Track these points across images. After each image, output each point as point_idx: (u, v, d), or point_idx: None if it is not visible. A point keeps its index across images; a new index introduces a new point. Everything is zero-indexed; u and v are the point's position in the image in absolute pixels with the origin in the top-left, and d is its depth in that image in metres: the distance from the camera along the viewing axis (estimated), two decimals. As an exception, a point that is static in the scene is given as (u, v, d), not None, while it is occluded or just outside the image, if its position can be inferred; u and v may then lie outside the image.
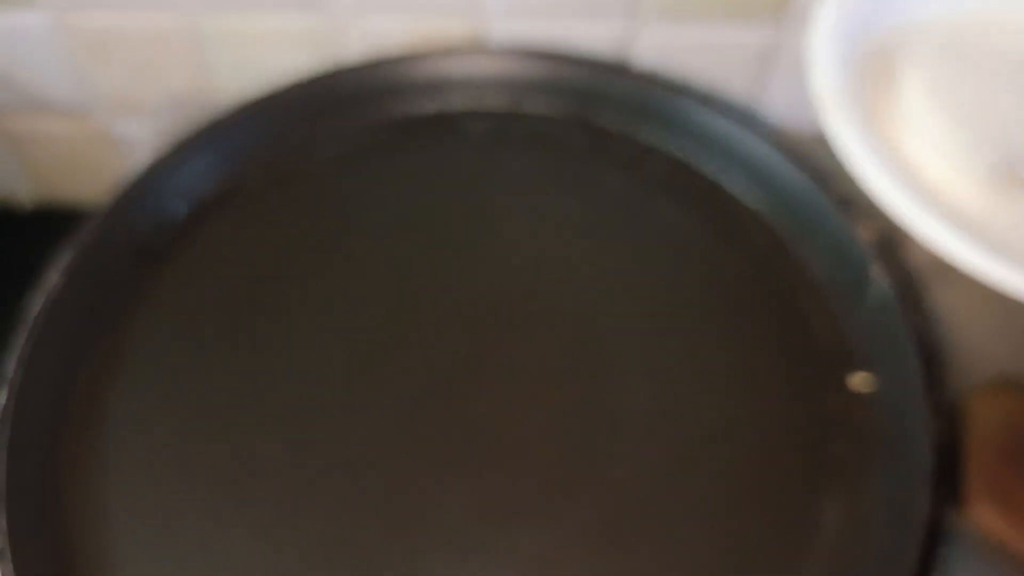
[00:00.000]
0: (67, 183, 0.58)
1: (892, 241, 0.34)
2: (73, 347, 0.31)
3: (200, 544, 0.28)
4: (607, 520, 0.28)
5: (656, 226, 0.35)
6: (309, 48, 0.46)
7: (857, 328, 0.32)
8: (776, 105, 0.49)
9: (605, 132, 0.39)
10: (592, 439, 0.30)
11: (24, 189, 0.59)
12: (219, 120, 0.35)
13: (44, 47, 0.48)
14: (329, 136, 0.37)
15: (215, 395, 0.31)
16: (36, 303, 0.30)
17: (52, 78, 0.50)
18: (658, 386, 0.31)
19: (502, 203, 0.36)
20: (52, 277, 0.31)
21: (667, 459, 0.30)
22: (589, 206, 0.36)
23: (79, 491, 0.29)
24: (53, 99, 0.52)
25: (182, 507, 0.28)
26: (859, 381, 0.31)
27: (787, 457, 0.29)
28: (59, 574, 0.27)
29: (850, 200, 0.34)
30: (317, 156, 0.37)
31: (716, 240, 0.35)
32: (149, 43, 0.47)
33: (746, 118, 0.36)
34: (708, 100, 0.37)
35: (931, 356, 0.30)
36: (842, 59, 0.39)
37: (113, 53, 0.48)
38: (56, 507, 0.28)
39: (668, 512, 0.28)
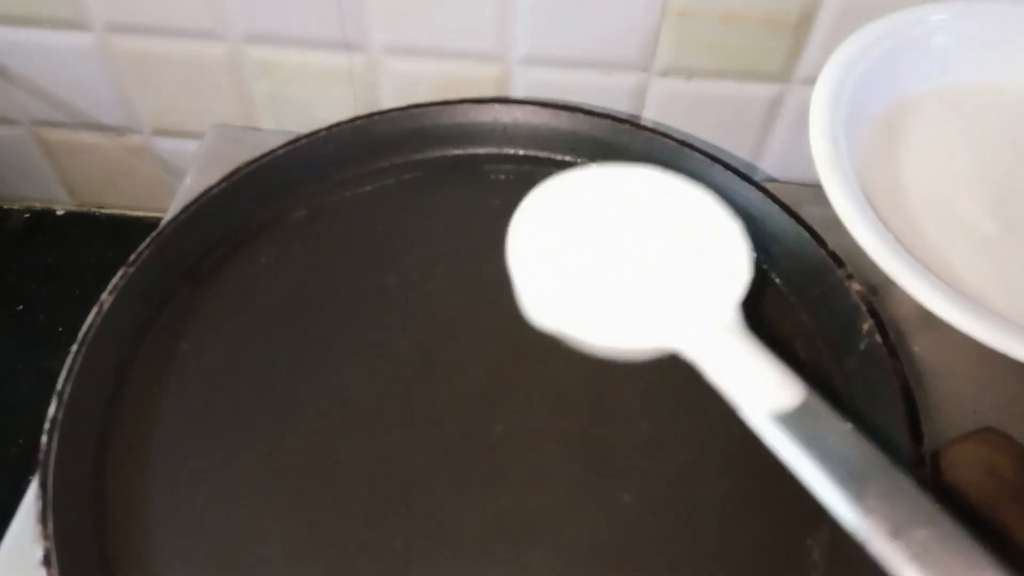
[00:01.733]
0: (104, 193, 0.59)
1: (881, 293, 0.35)
2: (122, 362, 0.32)
3: (236, 549, 0.28)
4: (615, 540, 0.29)
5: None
6: (344, 84, 0.48)
7: (847, 376, 0.33)
8: (777, 155, 0.50)
9: (618, 180, 0.40)
10: (602, 464, 0.31)
11: (62, 198, 0.60)
12: (267, 156, 0.36)
13: (89, 67, 0.49)
14: (366, 174, 0.39)
15: (254, 411, 0.31)
16: (88, 319, 0.31)
17: (95, 97, 0.52)
18: (662, 420, 0.32)
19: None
20: (104, 296, 0.32)
21: (670, 486, 0.30)
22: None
23: (124, 499, 0.29)
24: (95, 117, 0.53)
25: (222, 515, 0.29)
26: (848, 427, 0.32)
27: (778, 493, 0.30)
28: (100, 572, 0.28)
29: (844, 254, 0.35)
30: (355, 192, 0.38)
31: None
32: (191, 69, 0.48)
33: (746, 174, 0.38)
34: (711, 155, 0.38)
35: (914, 407, 0.31)
36: (841, 124, 0.40)
37: (156, 77, 0.49)
38: (102, 514, 0.29)
39: (672, 535, 0.29)
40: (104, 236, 0.59)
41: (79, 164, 0.57)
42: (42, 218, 0.60)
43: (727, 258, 0.27)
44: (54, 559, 0.26)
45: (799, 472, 0.22)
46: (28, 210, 0.60)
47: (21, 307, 0.55)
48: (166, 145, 0.55)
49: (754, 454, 0.30)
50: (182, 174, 0.55)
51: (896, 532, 0.20)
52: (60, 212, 0.60)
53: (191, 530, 0.29)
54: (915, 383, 0.32)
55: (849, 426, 0.23)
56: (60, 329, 0.54)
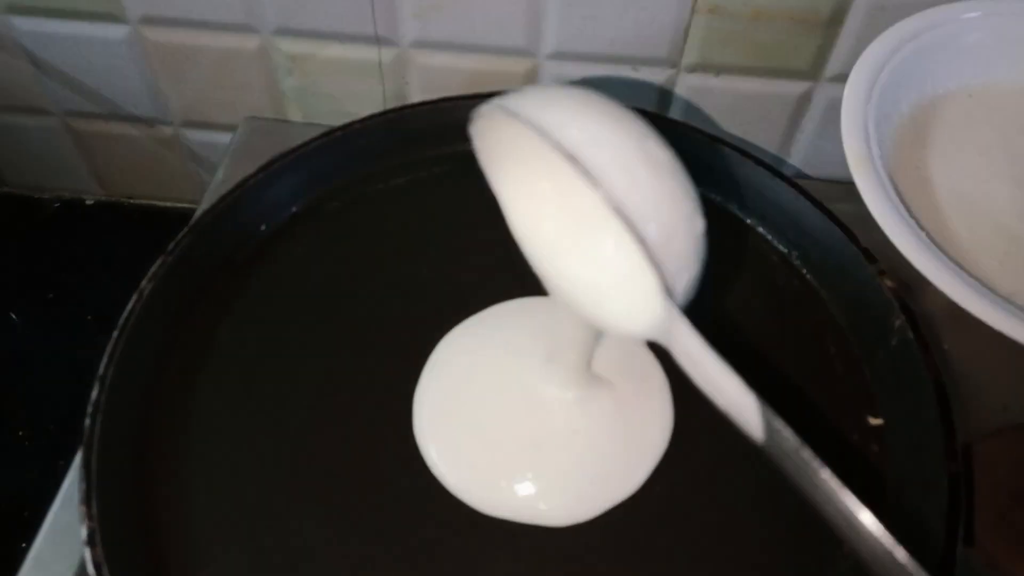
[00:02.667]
0: (133, 184, 0.60)
1: (912, 289, 0.35)
2: (161, 348, 0.32)
3: (275, 532, 0.29)
4: (645, 527, 0.30)
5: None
6: (373, 78, 0.48)
7: (878, 370, 0.33)
8: (804, 152, 0.50)
9: (649, 175, 0.40)
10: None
11: (92, 188, 0.61)
12: (302, 147, 0.37)
13: (122, 59, 0.50)
14: (399, 166, 0.39)
15: (290, 397, 0.32)
16: (129, 306, 0.32)
17: (127, 88, 0.52)
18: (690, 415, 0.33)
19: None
20: (144, 283, 0.32)
21: (695, 483, 0.31)
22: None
23: (165, 482, 0.30)
24: (126, 108, 0.53)
25: (260, 498, 0.30)
26: (878, 422, 0.33)
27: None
28: (145, 559, 0.28)
29: (873, 250, 0.35)
30: (387, 184, 0.39)
31: (747, 283, 0.36)
32: (223, 62, 0.49)
33: (777, 170, 0.38)
34: (743, 151, 0.38)
35: (947, 401, 0.31)
36: (872, 121, 0.40)
37: (187, 69, 0.50)
38: (143, 496, 0.29)
39: (699, 533, 0.30)
40: (133, 226, 0.60)
41: (109, 155, 0.58)
42: (72, 208, 0.61)
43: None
44: (98, 538, 0.26)
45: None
46: (58, 200, 0.61)
47: (51, 295, 0.56)
48: (195, 137, 0.55)
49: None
50: (211, 166, 0.56)
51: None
52: (90, 202, 0.61)
53: (231, 513, 0.29)
54: (945, 379, 0.32)
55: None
56: (89, 317, 0.55)
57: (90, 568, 0.26)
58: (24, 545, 0.32)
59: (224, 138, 0.51)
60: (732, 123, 0.49)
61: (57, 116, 0.55)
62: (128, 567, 0.27)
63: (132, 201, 0.61)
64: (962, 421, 0.34)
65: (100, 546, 0.26)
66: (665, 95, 0.47)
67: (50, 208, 0.61)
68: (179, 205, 0.60)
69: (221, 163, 0.45)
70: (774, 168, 0.37)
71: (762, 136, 0.50)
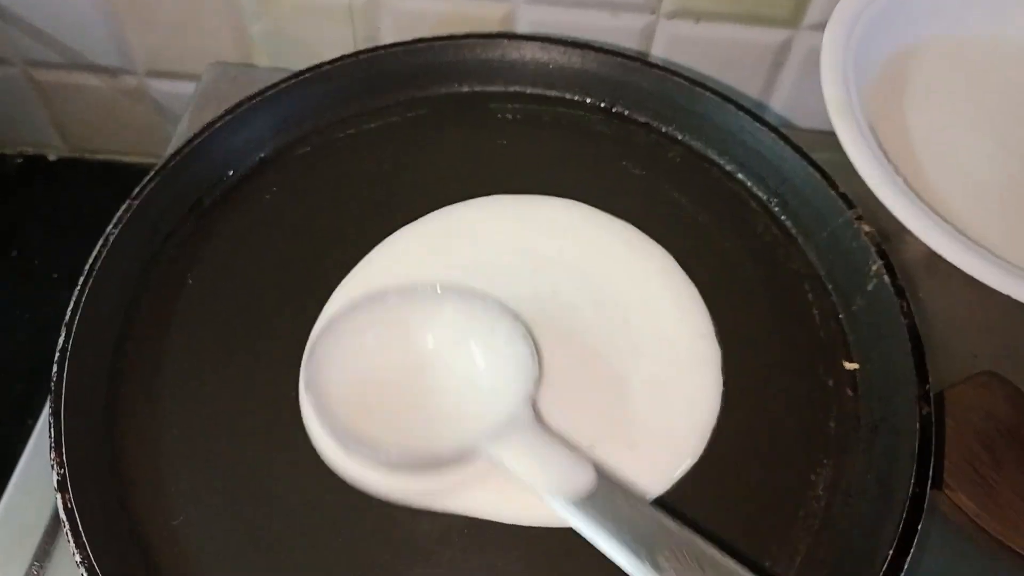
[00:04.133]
0: (97, 138, 0.59)
1: (890, 236, 0.35)
2: (129, 293, 0.32)
3: (244, 476, 0.29)
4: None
5: (670, 212, 0.36)
6: (343, 21, 0.47)
7: (854, 315, 0.34)
8: (784, 101, 0.50)
9: (627, 120, 0.40)
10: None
11: (55, 143, 0.59)
12: (269, 90, 0.36)
13: (85, 7, 0.48)
14: (371, 111, 0.38)
15: (260, 343, 0.32)
16: (95, 251, 0.31)
17: (89, 36, 0.51)
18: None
19: (527, 179, 0.37)
20: (110, 228, 0.32)
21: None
22: (608, 189, 0.37)
23: (135, 427, 0.30)
24: (88, 57, 0.52)
25: (229, 442, 0.30)
26: (853, 366, 0.33)
27: (785, 430, 0.31)
28: (118, 505, 0.28)
29: (852, 196, 0.35)
30: (359, 129, 0.38)
31: (726, 230, 0.36)
32: (188, 7, 0.47)
33: (758, 115, 0.37)
34: (724, 96, 0.38)
35: (920, 346, 0.31)
36: (851, 68, 0.40)
37: (151, 15, 0.49)
38: (113, 441, 0.29)
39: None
40: (97, 182, 0.59)
41: (72, 107, 0.56)
42: (35, 163, 0.59)
43: (515, 362, 0.28)
44: (68, 484, 0.26)
45: (599, 544, 0.24)
46: (21, 155, 0.59)
47: (15, 253, 0.55)
48: (161, 87, 0.54)
49: (755, 400, 0.31)
50: (176, 119, 0.54)
51: None
52: (52, 158, 0.60)
53: (200, 457, 0.29)
54: (919, 325, 0.32)
55: (640, 499, 0.26)
56: (55, 275, 0.54)
57: (62, 514, 0.26)
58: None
59: (190, 88, 0.50)
60: (713, 71, 0.49)
61: (17, 66, 0.53)
62: (100, 512, 0.27)
63: (96, 156, 0.60)
64: (934, 369, 0.35)
65: (71, 491, 0.26)
66: (644, 41, 0.47)
67: (12, 164, 0.59)
68: (144, 160, 0.59)
69: (188, 106, 0.43)
70: (755, 113, 0.37)
71: (743, 85, 0.50)
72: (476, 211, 0.35)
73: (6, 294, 0.53)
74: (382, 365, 0.29)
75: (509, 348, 0.29)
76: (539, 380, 0.29)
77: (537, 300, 0.32)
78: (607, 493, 0.25)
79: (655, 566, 0.23)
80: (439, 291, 0.30)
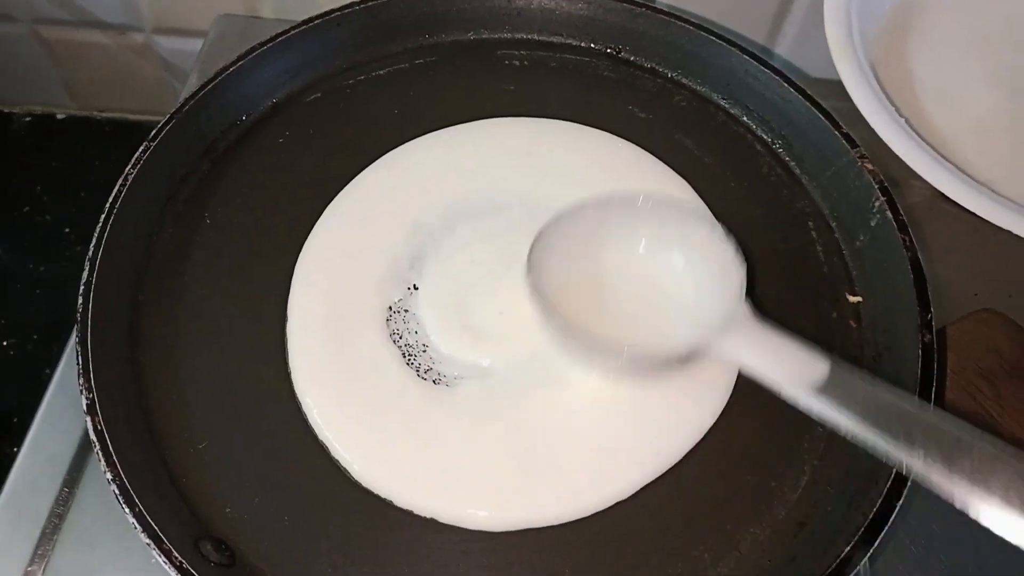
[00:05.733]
0: (105, 96, 0.59)
1: (893, 176, 0.36)
2: (148, 229, 0.33)
3: (254, 399, 0.30)
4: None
5: (677, 155, 0.37)
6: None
7: (858, 251, 0.35)
8: (789, 48, 0.51)
9: (633, 65, 0.40)
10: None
11: (64, 101, 0.60)
12: (280, 36, 0.37)
13: (92, -37, 0.49)
14: (380, 58, 0.39)
15: (273, 267, 0.33)
16: (114, 190, 0.32)
17: (99, -6, 0.51)
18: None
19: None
20: (128, 168, 0.32)
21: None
22: (615, 133, 0.38)
23: (157, 355, 0.31)
24: (96, 13, 0.52)
25: (240, 367, 0.31)
26: (856, 299, 0.34)
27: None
28: (144, 429, 0.29)
29: (856, 138, 0.36)
30: (369, 76, 0.39)
31: (732, 171, 0.37)
32: (193, -38, 0.48)
33: (762, 59, 0.38)
34: (728, 40, 0.38)
35: (922, 277, 0.32)
36: (855, 12, 0.41)
37: (159, -29, 0.49)
38: (137, 368, 0.30)
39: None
40: (106, 140, 0.60)
41: (80, 65, 0.57)
42: (43, 122, 0.60)
43: (721, 259, 0.29)
44: (97, 408, 0.27)
45: (847, 430, 0.24)
46: (29, 114, 0.60)
47: (27, 208, 0.56)
48: (168, 44, 0.54)
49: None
50: (184, 76, 0.55)
51: (949, 463, 0.22)
52: (61, 116, 0.60)
53: (221, 384, 0.31)
54: (921, 258, 0.33)
55: (876, 381, 0.26)
56: (67, 230, 0.55)
57: (92, 436, 0.27)
58: (15, 450, 0.33)
59: (197, 45, 0.50)
60: (718, 16, 0.49)
61: (25, 24, 0.54)
62: (127, 435, 0.28)
63: (104, 114, 0.61)
64: (936, 306, 0.36)
65: (100, 414, 0.27)
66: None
67: (21, 122, 0.60)
68: (152, 118, 0.60)
69: (196, 62, 0.44)
70: (759, 56, 0.38)
71: (748, 33, 0.50)
72: (476, 130, 0.37)
73: (19, 250, 0.54)
74: (599, 271, 0.29)
75: (715, 249, 0.29)
76: (746, 280, 0.29)
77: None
78: (844, 378, 0.25)
79: (913, 447, 0.23)
80: (639, 201, 0.30)
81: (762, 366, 0.26)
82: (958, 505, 0.22)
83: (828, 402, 0.25)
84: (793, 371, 0.25)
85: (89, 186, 0.57)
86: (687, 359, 0.27)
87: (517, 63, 0.40)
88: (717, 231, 0.29)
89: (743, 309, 0.27)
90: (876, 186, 0.34)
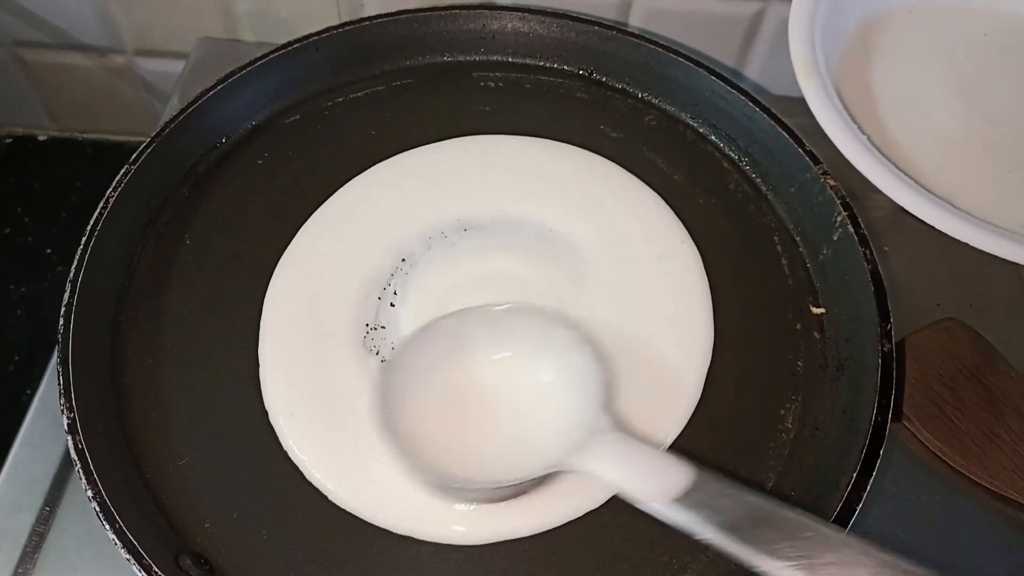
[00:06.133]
0: (86, 118, 0.60)
1: (856, 194, 0.37)
2: (129, 254, 0.34)
3: (236, 418, 0.31)
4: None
5: (648, 173, 0.38)
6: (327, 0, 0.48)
7: (821, 264, 0.36)
8: (758, 70, 0.52)
9: (605, 87, 0.42)
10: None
11: (45, 123, 0.60)
12: (259, 60, 0.38)
13: (72, -15, 0.49)
14: (357, 81, 0.40)
15: (253, 288, 0.34)
16: (96, 213, 0.33)
17: (78, 17, 0.52)
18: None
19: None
20: (109, 192, 0.33)
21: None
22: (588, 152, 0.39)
23: (139, 375, 0.32)
24: (76, 36, 0.53)
25: (220, 386, 0.32)
26: (820, 311, 0.35)
27: (758, 370, 0.33)
28: (125, 447, 0.30)
29: (819, 155, 0.37)
30: (347, 98, 0.40)
31: (701, 188, 0.38)
32: (174, -13, 0.49)
33: (728, 79, 0.39)
34: (695, 61, 0.40)
35: (882, 289, 0.33)
36: (818, 32, 0.42)
37: (139, -5, 0.50)
38: (118, 388, 0.31)
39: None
40: (88, 161, 0.60)
41: (61, 87, 0.58)
42: (25, 143, 0.60)
43: (582, 371, 0.28)
44: (78, 426, 0.28)
45: (707, 537, 0.24)
46: (10, 136, 0.60)
47: (8, 230, 0.56)
48: (149, 66, 0.55)
49: (730, 343, 0.33)
50: (165, 97, 0.56)
51: (810, 566, 0.22)
52: (43, 138, 0.61)
53: (201, 402, 0.31)
54: (885, 277, 0.34)
55: (737, 488, 0.25)
56: (48, 251, 0.55)
57: (73, 454, 0.28)
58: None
59: (178, 67, 0.51)
60: (689, 42, 0.50)
61: (6, 47, 0.55)
62: (108, 453, 0.29)
63: (86, 136, 0.61)
64: (899, 316, 0.37)
65: (81, 433, 0.28)
66: (621, 14, 0.49)
67: (2, 144, 0.60)
68: (134, 139, 0.61)
69: (177, 84, 0.45)
70: (725, 77, 0.39)
71: (719, 56, 0.51)
72: (453, 148, 0.38)
73: (1, 271, 0.55)
74: (450, 399, 0.29)
75: (574, 358, 0.29)
76: (610, 385, 0.28)
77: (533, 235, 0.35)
78: (707, 485, 0.25)
79: (770, 552, 0.23)
80: (492, 311, 0.29)
81: (622, 482, 0.26)
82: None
83: (688, 512, 0.24)
84: (653, 484, 0.25)
85: (71, 207, 0.57)
86: (543, 478, 0.27)
87: (492, 84, 0.41)
88: (578, 336, 0.29)
89: (605, 420, 0.27)
90: (838, 201, 0.35)
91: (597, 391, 0.27)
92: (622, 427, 0.27)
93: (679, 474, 0.25)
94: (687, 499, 0.24)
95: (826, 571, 0.22)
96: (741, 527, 0.23)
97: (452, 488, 0.27)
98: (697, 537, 0.24)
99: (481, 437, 0.28)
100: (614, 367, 0.30)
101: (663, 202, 0.37)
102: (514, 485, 0.27)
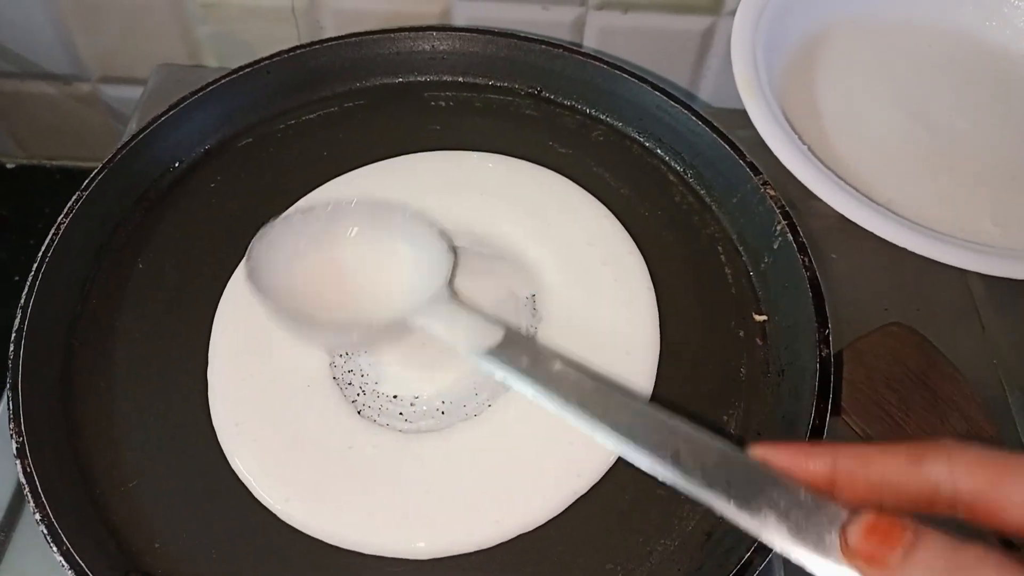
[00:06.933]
0: (53, 145, 0.60)
1: (798, 209, 0.38)
2: (82, 279, 0.34)
3: (189, 439, 0.31)
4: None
5: (596, 187, 0.39)
6: (287, 22, 0.49)
7: (763, 273, 0.37)
8: (712, 85, 0.53)
9: (554, 104, 0.43)
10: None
11: (12, 151, 0.61)
12: (211, 85, 0.38)
13: (33, 14, 0.50)
14: (310, 103, 0.41)
15: (206, 311, 0.34)
16: (47, 239, 0.33)
17: (42, 46, 0.53)
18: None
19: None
20: (61, 218, 0.34)
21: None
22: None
23: (90, 401, 0.32)
24: (41, 65, 0.54)
25: (180, 413, 0.32)
26: (762, 318, 0.36)
27: (702, 377, 0.34)
28: (75, 471, 0.30)
29: (767, 174, 0.38)
30: (299, 120, 0.40)
31: (647, 200, 0.39)
32: (135, 13, 0.50)
33: (672, 93, 0.40)
34: (640, 77, 0.41)
35: (820, 295, 0.34)
36: (761, 49, 0.43)
37: (100, 21, 0.51)
38: (69, 413, 0.31)
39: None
40: (56, 187, 0.61)
41: (27, 115, 0.58)
42: (-8, 172, 0.61)
43: (434, 252, 0.33)
44: (27, 451, 0.28)
45: (517, 387, 0.27)
46: (-23, 164, 0.61)
47: (-24, 258, 0.57)
48: (114, 92, 0.56)
49: (674, 350, 0.34)
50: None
51: (604, 415, 0.25)
52: (11, 165, 0.61)
53: (152, 425, 0.32)
54: (833, 286, 0.35)
55: (546, 349, 0.30)
56: (16, 279, 0.56)
57: (21, 478, 0.28)
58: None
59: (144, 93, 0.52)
60: (644, 61, 0.52)
61: (-31, 77, 0.55)
62: (58, 477, 0.29)
63: (53, 163, 0.62)
64: (846, 321, 0.38)
65: (29, 457, 0.28)
66: (576, 33, 0.50)
67: (-31, 173, 0.61)
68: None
69: (135, 110, 0.46)
70: (669, 92, 0.40)
71: (673, 73, 0.53)
72: (404, 163, 0.39)
73: (-33, 299, 0.55)
74: (318, 264, 0.32)
75: (427, 243, 0.33)
76: (454, 266, 0.33)
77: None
78: (515, 341, 0.29)
79: (565, 398, 0.26)
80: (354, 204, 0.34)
81: (446, 334, 0.30)
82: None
83: (499, 362, 0.28)
84: (472, 337, 0.29)
85: (39, 234, 0.57)
86: (398, 329, 0.31)
87: (443, 104, 0.42)
88: (434, 229, 0.34)
89: (444, 291, 0.31)
90: (778, 210, 0.36)
91: (442, 270, 0.32)
92: (457, 299, 0.32)
93: (493, 333, 0.29)
94: (498, 351, 0.28)
95: (616, 418, 0.24)
96: (548, 381, 0.26)
97: (314, 329, 0.31)
98: (512, 386, 0.27)
99: (344, 293, 0.32)
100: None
101: (611, 214, 0.38)
102: (367, 331, 0.31)
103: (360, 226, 0.33)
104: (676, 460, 0.22)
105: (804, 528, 0.20)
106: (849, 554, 0.19)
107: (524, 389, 0.27)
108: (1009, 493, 0.18)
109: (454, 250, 0.34)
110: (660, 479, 0.22)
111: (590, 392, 0.25)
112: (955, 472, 0.19)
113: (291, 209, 0.35)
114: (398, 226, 0.34)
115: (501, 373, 0.28)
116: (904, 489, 0.19)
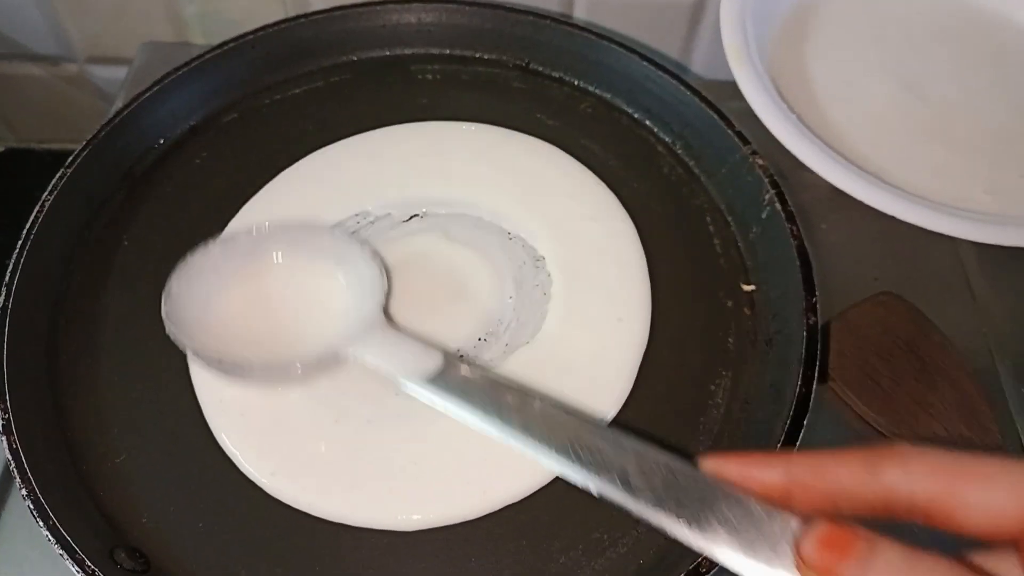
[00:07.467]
0: (43, 128, 0.60)
1: (784, 172, 0.38)
2: (66, 256, 0.34)
3: (177, 418, 0.31)
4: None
5: (585, 158, 0.39)
6: (274, 1, 0.49)
7: (751, 243, 0.36)
8: (703, 56, 0.53)
9: (541, 76, 0.42)
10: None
11: (2, 133, 0.60)
12: (195, 60, 0.38)
13: (18, -5, 0.50)
14: (295, 77, 0.40)
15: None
16: (31, 217, 0.33)
17: (28, 27, 0.52)
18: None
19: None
20: (45, 195, 0.34)
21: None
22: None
23: (76, 377, 0.32)
24: (28, 46, 0.53)
25: (167, 382, 0.32)
26: (750, 288, 0.36)
27: (691, 347, 0.34)
28: (62, 448, 0.30)
29: (756, 145, 0.37)
30: (285, 95, 0.40)
31: (636, 171, 0.39)
32: (121, -7, 0.49)
33: (660, 64, 0.40)
34: (628, 48, 0.40)
35: (808, 264, 0.34)
36: (750, 18, 0.43)
37: (87, 2, 0.50)
38: (55, 390, 0.31)
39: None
40: (46, 170, 0.60)
41: (16, 98, 0.58)
42: (-17, 156, 0.60)
43: (366, 274, 0.32)
44: (13, 427, 0.28)
45: (456, 414, 0.26)
46: (-32, 148, 0.61)
47: (-31, 242, 0.56)
48: (102, 73, 0.55)
49: (664, 320, 0.34)
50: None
51: (546, 438, 0.24)
52: (1, 149, 0.61)
53: (139, 400, 0.32)
54: (823, 256, 0.35)
55: (483, 369, 0.29)
56: (7, 263, 0.55)
57: (7, 454, 0.28)
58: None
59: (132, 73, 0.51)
60: (635, 32, 0.51)
61: (-43, 59, 0.55)
62: (44, 452, 0.29)
63: (44, 146, 0.61)
64: (836, 290, 0.37)
65: (15, 433, 0.28)
66: (566, 4, 0.49)
67: (-39, 157, 0.60)
68: (93, 146, 0.60)
69: (121, 89, 0.45)
70: (657, 62, 0.40)
71: (665, 44, 0.52)
72: (391, 133, 0.39)
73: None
74: (243, 298, 0.32)
75: (359, 265, 0.32)
76: (387, 292, 0.32)
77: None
78: (455, 370, 0.28)
79: (508, 422, 0.25)
80: (268, 229, 0.33)
81: (384, 363, 0.29)
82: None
83: (437, 391, 0.27)
84: (410, 367, 0.28)
85: (29, 217, 0.57)
86: (330, 361, 0.30)
87: (430, 77, 0.42)
88: (365, 252, 0.32)
89: (378, 318, 0.30)
90: (766, 180, 0.36)
91: (375, 293, 0.31)
92: (393, 325, 0.31)
93: (431, 360, 0.28)
94: (439, 379, 0.27)
95: (559, 437, 0.24)
96: (488, 407, 0.26)
97: (244, 372, 0.30)
98: (450, 414, 0.27)
99: (273, 325, 0.31)
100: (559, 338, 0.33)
101: (602, 182, 0.38)
102: (295, 370, 0.30)
103: (285, 252, 0.32)
104: (625, 480, 0.21)
105: (756, 542, 0.19)
106: (803, 567, 0.18)
107: (464, 417, 0.26)
108: (965, 496, 0.18)
109: (387, 272, 0.33)
110: (609, 500, 0.22)
111: (535, 416, 0.25)
112: (911, 477, 0.18)
113: (210, 241, 0.33)
114: (328, 248, 0.32)
115: (440, 402, 0.27)
116: (860, 496, 0.19)
